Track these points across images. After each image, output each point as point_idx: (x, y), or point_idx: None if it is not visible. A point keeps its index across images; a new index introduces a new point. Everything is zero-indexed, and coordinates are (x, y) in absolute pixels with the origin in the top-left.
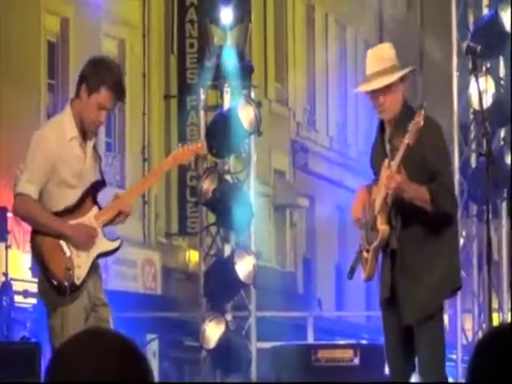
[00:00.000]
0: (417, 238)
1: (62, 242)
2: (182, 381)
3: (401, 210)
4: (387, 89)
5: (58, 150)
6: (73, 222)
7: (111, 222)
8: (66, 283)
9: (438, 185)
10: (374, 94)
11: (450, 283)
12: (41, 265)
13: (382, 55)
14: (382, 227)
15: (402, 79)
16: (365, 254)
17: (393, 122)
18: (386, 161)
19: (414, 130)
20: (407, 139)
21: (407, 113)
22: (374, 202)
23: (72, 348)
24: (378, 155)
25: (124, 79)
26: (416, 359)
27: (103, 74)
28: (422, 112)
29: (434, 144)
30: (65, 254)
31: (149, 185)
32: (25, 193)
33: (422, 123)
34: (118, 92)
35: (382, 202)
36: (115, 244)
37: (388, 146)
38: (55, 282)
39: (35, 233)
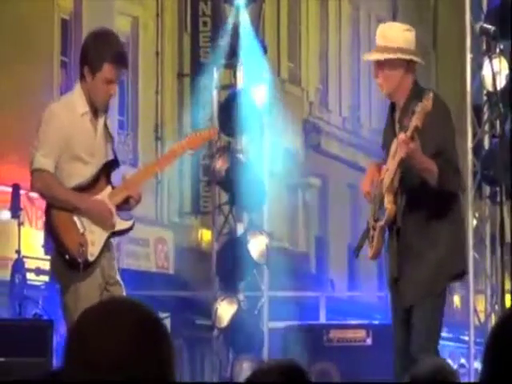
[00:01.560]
0: (420, 218)
1: (76, 218)
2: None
3: (406, 189)
4: (383, 65)
5: (70, 124)
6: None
7: (123, 204)
8: (79, 259)
9: (444, 161)
10: (375, 67)
11: (451, 265)
12: (54, 240)
13: (386, 32)
14: (389, 206)
15: (402, 62)
16: (371, 231)
17: (402, 103)
18: (395, 140)
19: (421, 112)
20: (415, 121)
21: (417, 94)
22: (382, 180)
23: (85, 323)
24: (389, 136)
25: (121, 45)
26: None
27: (101, 50)
28: (431, 95)
29: (440, 123)
30: (78, 230)
31: (159, 169)
32: (41, 168)
33: (430, 106)
34: (121, 61)
35: (390, 182)
36: (129, 223)
37: (398, 126)
38: (68, 257)
39: (50, 208)
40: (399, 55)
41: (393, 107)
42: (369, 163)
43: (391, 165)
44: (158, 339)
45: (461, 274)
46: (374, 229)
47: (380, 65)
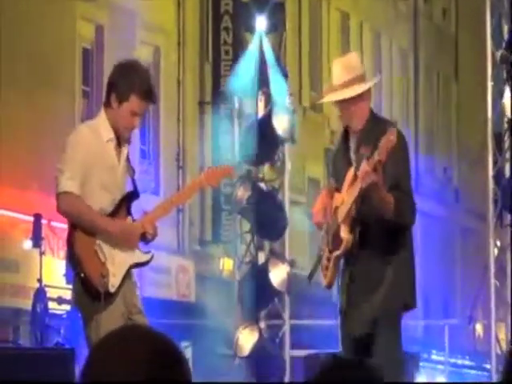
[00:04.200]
0: (372, 250)
1: (98, 248)
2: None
3: (362, 220)
4: (350, 100)
5: (95, 149)
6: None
7: (140, 238)
8: (100, 290)
9: (401, 193)
10: (339, 104)
11: (396, 300)
12: (76, 269)
13: (347, 66)
14: (346, 236)
15: (365, 90)
16: (325, 260)
17: (358, 131)
18: (352, 169)
19: (385, 147)
20: (378, 156)
21: (375, 123)
22: (336, 209)
23: (103, 351)
24: (341, 163)
25: (151, 80)
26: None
27: (131, 81)
28: (395, 130)
29: (400, 158)
30: (100, 260)
31: (177, 204)
32: (68, 190)
33: (394, 142)
34: (149, 96)
35: (347, 212)
36: (148, 256)
37: (354, 156)
38: (90, 288)
39: (72, 236)
40: (367, 84)
41: (346, 135)
42: (322, 190)
43: (348, 195)
44: (175, 367)
45: (408, 308)
46: (329, 259)
47: (346, 102)
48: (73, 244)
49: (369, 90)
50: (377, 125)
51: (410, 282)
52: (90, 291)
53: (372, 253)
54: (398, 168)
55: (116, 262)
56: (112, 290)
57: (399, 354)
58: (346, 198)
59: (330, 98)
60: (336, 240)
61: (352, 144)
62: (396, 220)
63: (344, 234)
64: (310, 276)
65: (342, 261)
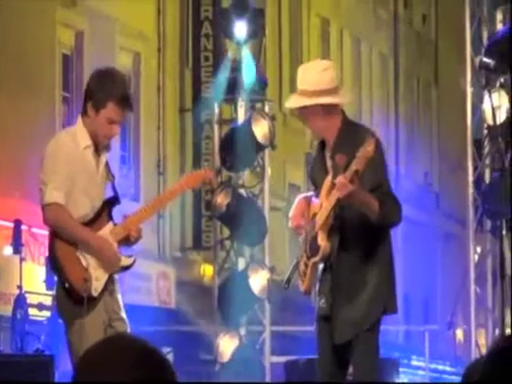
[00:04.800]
0: (353, 257)
1: (80, 253)
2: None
3: (341, 228)
4: (304, 110)
5: (76, 157)
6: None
7: (123, 241)
8: (83, 294)
9: (383, 194)
10: (297, 111)
11: (378, 305)
12: (59, 274)
13: (307, 76)
14: (323, 243)
15: (324, 105)
16: (303, 266)
17: (332, 141)
18: (329, 177)
19: (362, 158)
20: (355, 166)
21: (349, 130)
22: (314, 216)
23: (89, 361)
24: (319, 171)
25: (129, 88)
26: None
27: (108, 89)
28: (373, 140)
29: (378, 166)
30: (82, 264)
31: (158, 209)
32: (54, 201)
33: (372, 152)
34: (126, 103)
35: (325, 219)
36: (130, 260)
37: (329, 163)
38: (73, 293)
39: (54, 241)
40: (316, 99)
41: (322, 144)
42: (298, 196)
43: (325, 203)
44: (162, 374)
45: (389, 312)
46: (306, 265)
47: (301, 110)
48: (54, 249)
49: (324, 106)
50: (351, 132)
51: (391, 286)
52: (72, 296)
53: (353, 258)
54: (377, 173)
55: (98, 267)
56: (95, 294)
57: (377, 358)
58: (323, 205)
59: (286, 103)
60: (314, 246)
61: (327, 152)
62: (382, 220)
63: (321, 241)
64: (287, 282)
65: (320, 267)
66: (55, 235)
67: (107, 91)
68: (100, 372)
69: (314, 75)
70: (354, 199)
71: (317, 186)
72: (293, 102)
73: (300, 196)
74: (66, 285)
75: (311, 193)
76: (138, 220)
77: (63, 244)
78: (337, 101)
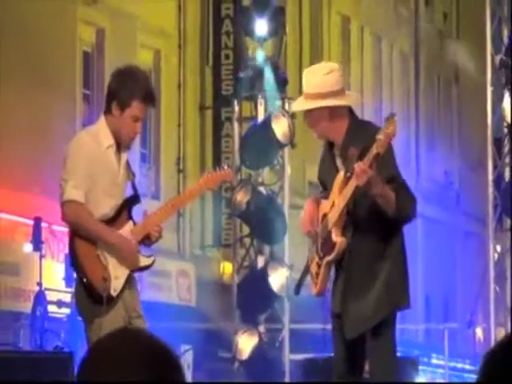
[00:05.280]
0: (364, 253)
1: (100, 252)
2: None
3: (354, 224)
4: (308, 114)
5: (97, 156)
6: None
7: (144, 239)
8: (103, 294)
9: (398, 186)
10: (304, 116)
11: (388, 301)
12: (78, 273)
13: (311, 79)
14: (339, 239)
15: (327, 109)
16: (315, 268)
17: (340, 141)
18: (341, 173)
19: (385, 139)
20: (377, 148)
21: (357, 126)
22: (324, 215)
23: (99, 352)
24: (328, 170)
25: (151, 84)
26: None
27: (131, 88)
28: (394, 122)
29: (391, 151)
30: (102, 264)
31: (178, 208)
32: (73, 199)
33: (395, 131)
34: (150, 100)
35: (339, 215)
36: (150, 260)
37: (339, 161)
38: (93, 291)
39: (74, 240)
40: (319, 102)
41: (330, 143)
42: (307, 200)
43: (339, 199)
44: (170, 371)
45: (402, 308)
46: (319, 265)
47: (306, 113)
48: (74, 247)
49: (337, 108)
50: (360, 128)
51: (404, 282)
52: (91, 295)
53: (365, 255)
54: (389, 163)
55: (118, 266)
56: (114, 293)
57: (394, 355)
58: (336, 201)
59: (294, 106)
60: (327, 246)
61: (336, 151)
62: (399, 213)
63: (336, 237)
64: (297, 288)
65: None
66: (75, 233)
67: (131, 90)
68: (107, 365)
69: (319, 78)
70: (374, 187)
71: (325, 188)
72: (298, 105)
73: (309, 200)
74: (85, 281)
75: (319, 195)
76: (159, 220)
77: (83, 242)
78: (342, 103)
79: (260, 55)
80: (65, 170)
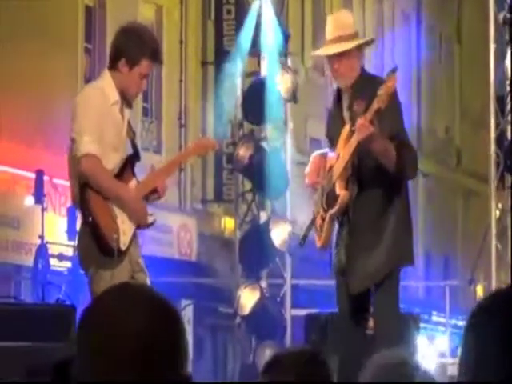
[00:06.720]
0: (370, 209)
1: (112, 206)
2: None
3: (358, 178)
4: (342, 55)
5: (104, 111)
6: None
7: (149, 195)
8: (114, 246)
9: (400, 143)
10: (331, 59)
11: (393, 257)
12: (92, 225)
13: (341, 22)
14: (342, 192)
15: (358, 47)
16: (319, 221)
17: (350, 89)
18: (347, 127)
19: (385, 94)
20: (377, 104)
21: (366, 79)
22: (330, 168)
23: (101, 305)
24: (335, 124)
25: (158, 42)
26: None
27: (140, 46)
28: (394, 76)
29: (395, 107)
30: (113, 218)
31: (178, 164)
32: (91, 153)
33: (394, 87)
34: (158, 57)
35: (343, 168)
36: (151, 219)
37: (347, 114)
38: (105, 243)
39: (87, 194)
40: (360, 41)
41: (339, 95)
42: (313, 154)
43: (344, 151)
44: (171, 325)
45: (407, 263)
46: (323, 218)
47: (338, 55)
48: (88, 200)
49: (359, 49)
50: (368, 81)
51: (408, 238)
52: (102, 246)
53: (369, 210)
54: (395, 121)
55: (125, 221)
56: (123, 247)
57: (398, 310)
58: (341, 154)
59: (318, 52)
60: (331, 199)
61: (345, 103)
62: (399, 172)
63: (340, 190)
64: (303, 238)
65: (335, 222)
66: (87, 186)
67: (140, 48)
68: (110, 316)
69: (348, 20)
70: (374, 144)
71: (333, 143)
72: (334, 48)
73: (315, 153)
74: (98, 235)
75: (327, 150)
76: (163, 175)
77: (96, 195)
78: (360, 42)
79: (263, 10)
80: (76, 125)
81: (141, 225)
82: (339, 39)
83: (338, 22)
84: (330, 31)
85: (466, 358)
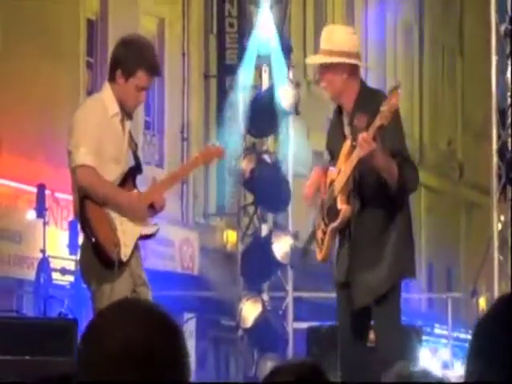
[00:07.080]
0: (372, 223)
1: (111, 218)
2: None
3: (360, 192)
4: (328, 69)
5: (104, 123)
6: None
7: (148, 208)
8: (114, 258)
9: (402, 159)
10: (318, 69)
11: (396, 270)
12: (91, 237)
13: (335, 37)
14: (344, 207)
15: (345, 66)
16: (320, 234)
17: (350, 106)
18: (348, 142)
19: (389, 111)
20: (381, 120)
21: (367, 94)
22: (331, 183)
23: (101, 321)
24: (336, 138)
25: (156, 54)
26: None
27: (137, 57)
28: (398, 93)
29: (398, 123)
30: (113, 229)
31: (180, 177)
32: (87, 164)
33: (398, 104)
34: (155, 70)
35: (344, 183)
36: (153, 229)
37: (348, 128)
38: (104, 256)
39: (86, 206)
40: (344, 59)
41: (340, 110)
42: (314, 167)
43: (345, 166)
44: (171, 340)
45: (408, 277)
46: (324, 232)
47: (324, 68)
48: (86, 212)
49: (355, 68)
50: (369, 96)
51: (410, 251)
52: (103, 259)
53: (371, 224)
54: (397, 135)
55: (126, 232)
56: (124, 259)
57: (400, 322)
58: (343, 169)
59: (309, 59)
60: (332, 213)
61: (345, 118)
62: (400, 187)
63: (341, 204)
64: (304, 251)
65: (336, 236)
66: (86, 197)
67: (136, 59)
68: (110, 332)
69: (344, 36)
70: (376, 160)
71: (333, 156)
72: (320, 58)
73: (316, 167)
74: (98, 245)
75: (328, 164)
76: (162, 189)
77: (95, 206)
78: (362, 64)
79: (266, 23)
80: (74, 137)
81: (144, 234)
82: (327, 53)
83: (332, 35)
84: (322, 42)
85: (472, 364)
